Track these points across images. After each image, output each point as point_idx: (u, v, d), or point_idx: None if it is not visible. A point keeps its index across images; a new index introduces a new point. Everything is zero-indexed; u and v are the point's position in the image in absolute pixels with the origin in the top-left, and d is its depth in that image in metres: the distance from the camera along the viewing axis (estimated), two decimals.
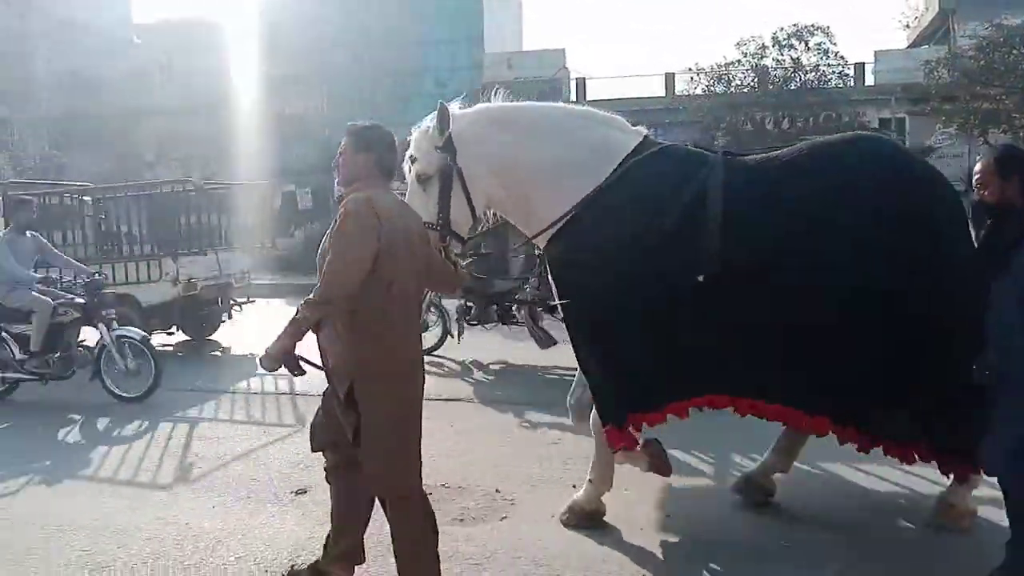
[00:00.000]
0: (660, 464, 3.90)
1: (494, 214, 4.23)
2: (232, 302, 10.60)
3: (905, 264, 3.41)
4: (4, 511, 4.63)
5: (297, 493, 4.68)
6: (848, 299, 3.45)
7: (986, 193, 3.04)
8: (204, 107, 26.23)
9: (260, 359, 2.94)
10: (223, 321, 10.77)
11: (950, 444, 3.55)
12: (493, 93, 4.15)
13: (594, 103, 17.67)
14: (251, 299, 10.98)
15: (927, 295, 3.40)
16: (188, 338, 10.71)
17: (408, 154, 3.96)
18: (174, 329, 10.29)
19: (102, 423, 6.74)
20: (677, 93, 25.20)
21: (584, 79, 27.74)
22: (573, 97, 25.89)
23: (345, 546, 3.29)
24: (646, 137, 4.00)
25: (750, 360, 3.63)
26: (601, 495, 4.05)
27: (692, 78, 23.54)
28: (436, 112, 3.90)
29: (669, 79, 26.41)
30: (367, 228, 2.90)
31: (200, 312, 10.42)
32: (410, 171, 3.96)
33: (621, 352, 3.67)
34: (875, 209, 3.45)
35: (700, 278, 3.46)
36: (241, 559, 3.85)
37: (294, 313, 2.90)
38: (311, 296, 2.90)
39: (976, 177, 3.10)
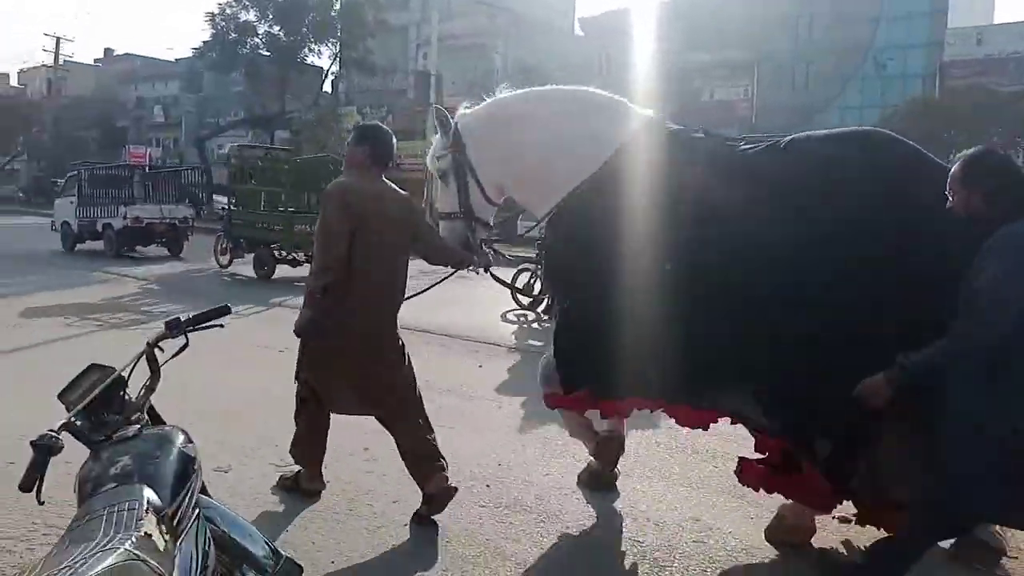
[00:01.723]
0: (606, 455, 4.11)
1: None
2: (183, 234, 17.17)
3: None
4: None
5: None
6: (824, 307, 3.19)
7: (954, 202, 2.86)
8: (640, 95, 26.85)
9: (294, 329, 3.66)
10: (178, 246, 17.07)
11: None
12: (499, 88, 4.27)
13: None
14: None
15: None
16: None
17: (429, 156, 4.31)
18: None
19: None
20: None
21: None
22: None
23: (314, 466, 3.94)
24: (649, 120, 3.92)
25: (716, 361, 3.44)
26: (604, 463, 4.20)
27: None
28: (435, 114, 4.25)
29: None
30: (340, 207, 3.58)
31: (156, 237, 16.91)
32: (435, 171, 4.28)
33: (590, 335, 3.71)
34: (862, 206, 3.18)
35: (668, 266, 3.46)
36: None
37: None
38: (312, 268, 3.73)
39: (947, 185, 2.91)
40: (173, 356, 2.20)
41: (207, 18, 30.05)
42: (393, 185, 3.87)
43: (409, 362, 3.87)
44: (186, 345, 2.24)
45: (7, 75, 57.45)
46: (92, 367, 2.15)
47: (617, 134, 3.81)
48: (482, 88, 24.13)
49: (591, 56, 31.84)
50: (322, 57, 32.66)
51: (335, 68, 33.32)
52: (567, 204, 3.81)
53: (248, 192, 14.82)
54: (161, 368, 2.20)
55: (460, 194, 4.05)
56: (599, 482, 4.20)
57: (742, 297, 3.31)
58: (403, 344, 3.86)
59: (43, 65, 48.98)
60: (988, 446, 2.75)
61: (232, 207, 15.01)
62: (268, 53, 31.44)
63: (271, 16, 29.76)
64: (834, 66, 26.27)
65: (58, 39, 44.04)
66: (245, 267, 14.03)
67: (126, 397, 2.10)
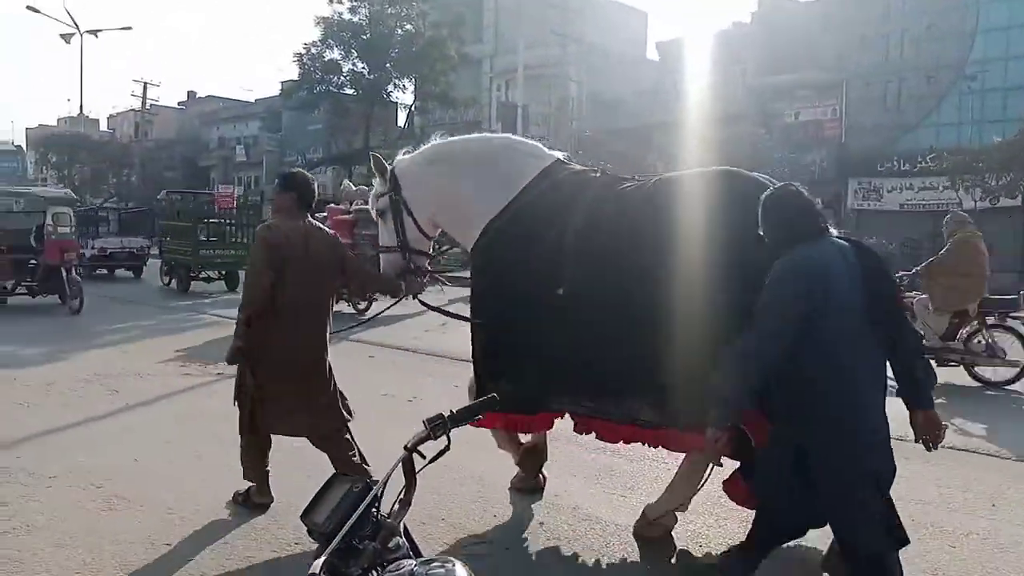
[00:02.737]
0: (528, 465, 4.64)
1: None
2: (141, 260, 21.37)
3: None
4: None
5: None
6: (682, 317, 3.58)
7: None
8: (716, 118, 26.65)
9: (225, 357, 4.18)
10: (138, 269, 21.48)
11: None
12: (435, 135, 4.79)
13: None
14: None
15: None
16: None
17: (370, 199, 4.88)
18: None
19: None
20: None
21: None
22: None
23: (261, 482, 4.32)
24: (556, 162, 4.38)
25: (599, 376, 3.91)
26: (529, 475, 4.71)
27: None
28: (373, 161, 4.72)
29: None
30: (265, 247, 4.06)
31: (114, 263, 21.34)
32: (374, 211, 4.78)
33: (502, 356, 4.17)
34: (725, 236, 3.53)
35: (560, 291, 3.87)
36: None
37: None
38: (240, 302, 4.20)
39: None
40: (432, 460, 1.83)
41: (295, 58, 31.03)
42: (319, 225, 4.40)
43: (335, 385, 4.31)
44: (447, 448, 1.86)
45: (97, 121, 60.27)
46: (336, 478, 1.87)
47: (523, 175, 4.28)
48: (559, 117, 24.33)
49: (666, 81, 31.70)
50: (406, 92, 33.25)
51: (413, 102, 33.86)
52: (482, 237, 4.28)
53: (172, 227, 18.81)
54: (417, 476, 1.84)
55: (397, 229, 4.55)
56: (528, 486, 4.71)
57: (623, 315, 3.74)
58: (330, 367, 4.31)
59: (131, 110, 51.18)
60: (780, 456, 3.16)
61: (164, 239, 19.33)
62: (352, 91, 32.22)
63: (355, 54, 30.53)
64: (927, 82, 25.57)
65: (145, 84, 45.85)
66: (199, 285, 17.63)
67: (378, 515, 1.75)
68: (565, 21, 33.76)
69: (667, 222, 3.72)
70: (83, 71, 43.11)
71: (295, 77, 32.77)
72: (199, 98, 56.29)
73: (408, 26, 30.64)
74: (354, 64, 30.98)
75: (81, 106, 47.32)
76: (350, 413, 4.36)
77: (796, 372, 3.04)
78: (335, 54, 30.85)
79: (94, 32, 40.69)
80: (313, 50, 30.79)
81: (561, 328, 3.91)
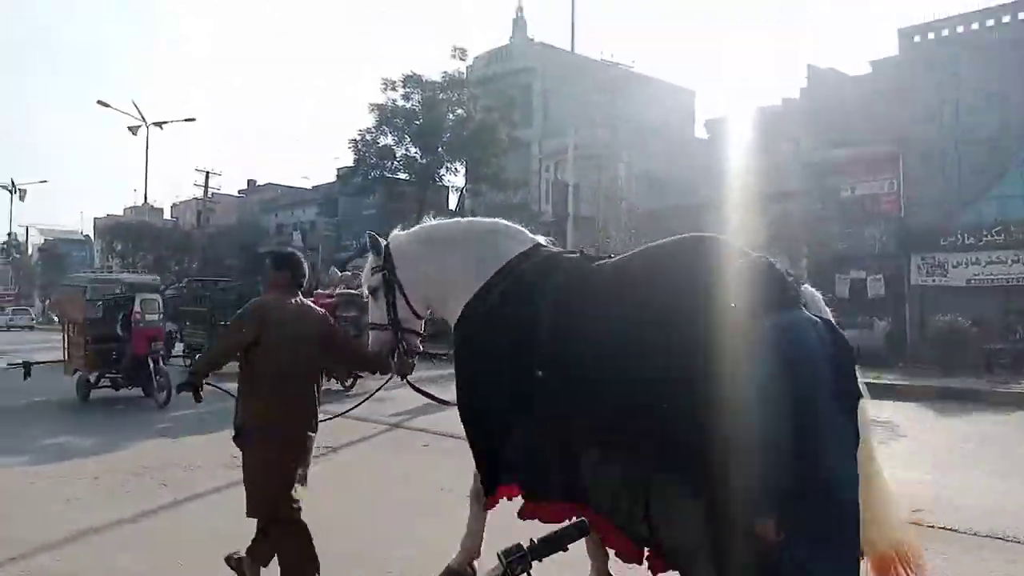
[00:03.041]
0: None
1: None
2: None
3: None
4: None
5: None
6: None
7: None
8: (769, 195, 26.37)
9: (177, 385, 4.40)
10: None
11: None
12: (428, 216, 5.00)
13: None
14: None
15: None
16: None
17: (363, 275, 4.89)
18: None
19: None
20: None
21: None
22: None
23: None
24: (533, 247, 4.39)
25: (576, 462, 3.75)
26: (470, 560, 4.49)
27: None
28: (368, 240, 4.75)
29: None
30: (243, 324, 4.19)
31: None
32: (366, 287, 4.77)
33: (486, 435, 4.08)
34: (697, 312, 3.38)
35: (539, 373, 3.82)
36: None
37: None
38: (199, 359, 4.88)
39: None
40: None
41: (350, 145, 31.90)
42: (310, 303, 4.56)
43: (305, 469, 4.22)
44: None
45: (161, 209, 62.69)
46: None
47: (503, 256, 4.31)
48: (608, 195, 24.32)
49: (715, 158, 31.58)
50: (457, 175, 33.82)
51: (464, 184, 34.39)
52: (460, 318, 4.30)
53: (192, 313, 20.39)
54: None
55: (388, 307, 4.57)
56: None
57: (598, 393, 3.64)
58: (311, 446, 4.30)
59: (194, 198, 53.13)
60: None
61: (184, 323, 20.75)
62: (405, 175, 32.90)
63: (408, 139, 31.28)
64: (988, 153, 24.92)
65: (207, 173, 47.70)
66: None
67: None
68: (613, 102, 34.23)
69: (637, 294, 3.68)
70: (148, 161, 44.81)
71: (351, 163, 33.66)
72: (259, 186, 58.26)
73: (460, 111, 31.34)
74: (407, 149, 31.69)
75: (146, 195, 49.38)
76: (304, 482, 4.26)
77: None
78: (389, 139, 31.64)
79: (159, 124, 42.78)
80: (368, 136, 31.63)
81: (543, 410, 3.84)
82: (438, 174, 32.68)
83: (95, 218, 71.69)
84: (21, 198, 58.27)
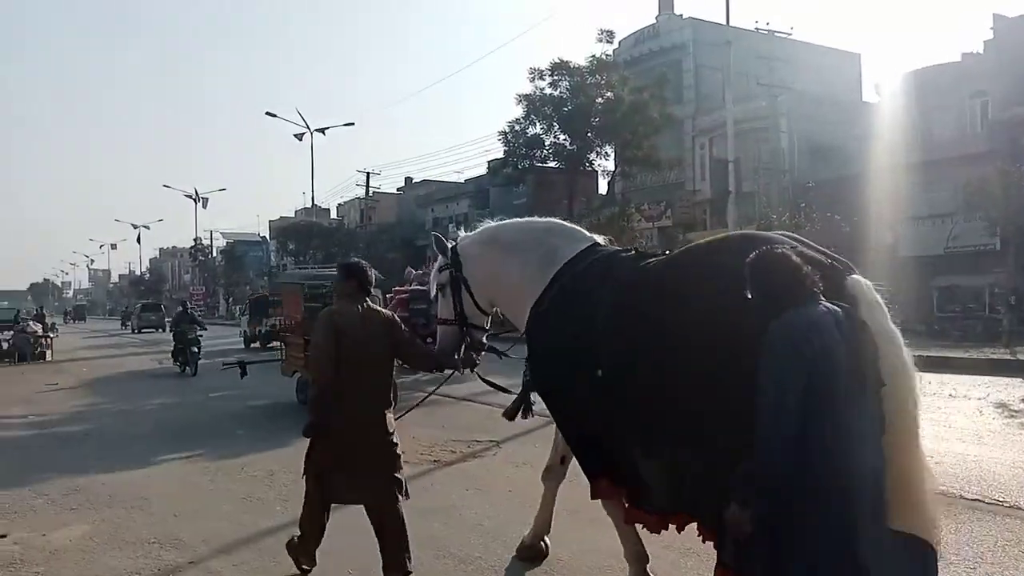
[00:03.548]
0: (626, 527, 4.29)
1: None
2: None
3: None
4: None
5: None
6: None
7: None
8: (954, 158, 23.94)
9: (302, 431, 4.53)
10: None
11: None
12: (495, 218, 5.19)
13: None
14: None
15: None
16: None
17: (432, 273, 5.31)
18: None
19: None
20: None
21: None
22: None
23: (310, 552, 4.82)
24: (590, 246, 4.52)
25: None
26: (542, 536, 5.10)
27: None
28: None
29: None
30: (328, 330, 4.48)
31: None
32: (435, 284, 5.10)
33: (570, 425, 4.33)
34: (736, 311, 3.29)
35: (599, 372, 3.88)
36: None
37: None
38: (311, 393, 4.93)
39: None
40: None
41: (499, 137, 32.10)
42: (377, 307, 4.77)
43: (395, 455, 4.54)
44: None
45: (328, 210, 66.19)
46: None
47: (562, 257, 4.44)
48: (769, 169, 22.93)
49: (888, 122, 29.02)
50: (608, 159, 33.24)
51: (615, 168, 33.71)
52: (529, 321, 4.45)
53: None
54: None
55: (455, 304, 4.85)
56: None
57: (656, 394, 3.61)
58: (392, 437, 4.55)
59: (356, 198, 55.63)
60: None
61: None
62: (554, 163, 32.70)
63: (557, 127, 31.02)
64: None
65: (368, 174, 49.73)
66: None
67: None
68: (771, 71, 32.36)
69: (681, 298, 3.63)
70: (314, 165, 47.29)
71: (500, 156, 33.87)
72: (415, 183, 60.10)
73: (608, 94, 30.67)
74: (556, 136, 31.42)
75: (312, 197, 52.24)
76: (406, 494, 4.56)
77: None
78: (537, 129, 31.49)
79: (322, 130, 44.91)
80: (516, 127, 31.66)
81: (604, 410, 3.91)
82: (588, 159, 32.23)
83: (270, 220, 76.87)
84: (204, 205, 63.11)
